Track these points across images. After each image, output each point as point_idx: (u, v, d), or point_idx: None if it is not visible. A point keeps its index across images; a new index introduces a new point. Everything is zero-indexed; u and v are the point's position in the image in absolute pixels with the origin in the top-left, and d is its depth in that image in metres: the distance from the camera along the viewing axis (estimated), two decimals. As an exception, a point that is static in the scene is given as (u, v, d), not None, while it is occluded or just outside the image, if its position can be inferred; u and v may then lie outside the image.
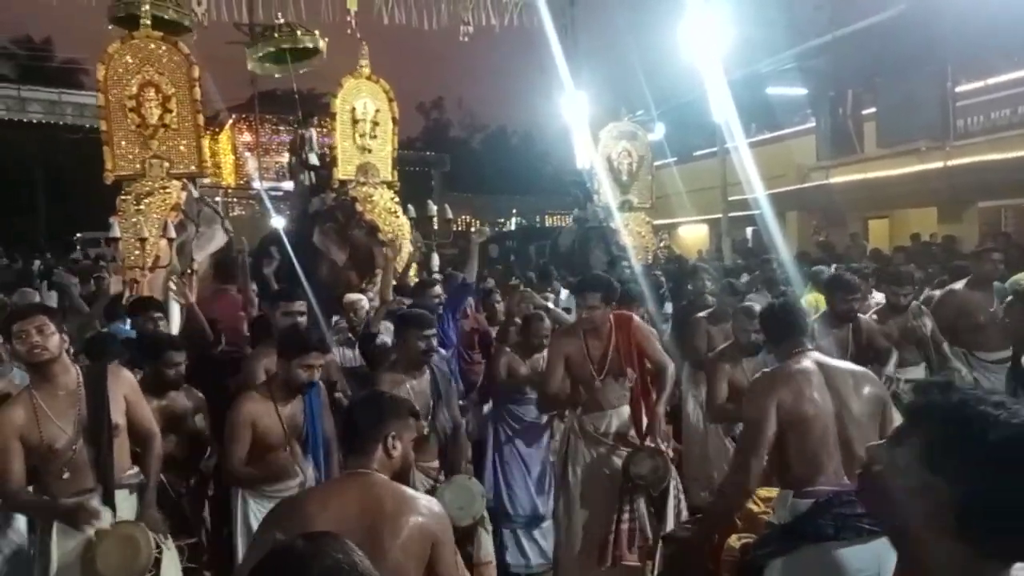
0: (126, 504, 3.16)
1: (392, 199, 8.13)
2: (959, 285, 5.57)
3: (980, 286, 5.42)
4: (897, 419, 4.80)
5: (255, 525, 3.21)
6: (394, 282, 6.64)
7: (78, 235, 26.42)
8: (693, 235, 21.30)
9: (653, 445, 3.89)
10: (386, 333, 5.07)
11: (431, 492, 3.71)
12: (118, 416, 3.13)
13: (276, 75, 9.83)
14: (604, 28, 21.34)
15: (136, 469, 3.26)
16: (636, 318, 4.22)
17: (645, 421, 3.98)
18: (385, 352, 4.93)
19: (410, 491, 2.21)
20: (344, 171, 7.92)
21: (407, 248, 7.74)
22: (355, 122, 7.99)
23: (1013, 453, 1.01)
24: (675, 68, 14.57)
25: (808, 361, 2.81)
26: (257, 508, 3.43)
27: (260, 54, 9.55)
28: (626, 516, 3.83)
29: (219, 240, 7.21)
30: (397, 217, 7.92)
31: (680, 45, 13.79)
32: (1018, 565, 1.12)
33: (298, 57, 9.51)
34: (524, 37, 12.41)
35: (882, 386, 3.11)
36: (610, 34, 20.33)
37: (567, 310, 6.15)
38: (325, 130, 8.92)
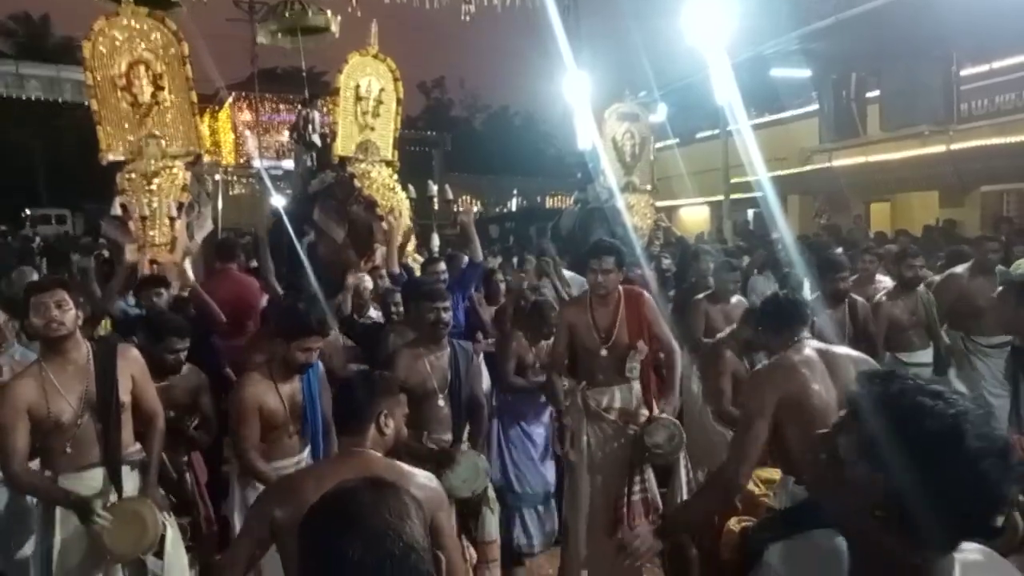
0: (128, 480, 3.18)
1: (391, 176, 8.10)
2: (960, 269, 5.58)
3: (981, 271, 5.42)
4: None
5: (252, 501, 3.23)
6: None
7: (27, 211, 25.85)
8: (694, 217, 21.26)
9: (666, 415, 3.89)
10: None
11: None
12: (123, 394, 3.15)
13: (289, 46, 9.64)
14: (607, 8, 21.17)
15: (138, 446, 3.28)
16: (646, 294, 4.20)
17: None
18: (381, 329, 4.94)
19: (407, 467, 2.22)
20: (344, 148, 7.88)
21: (405, 222, 7.72)
22: (358, 99, 7.93)
23: (947, 444, 1.01)
24: (678, 49, 14.46)
25: (808, 349, 2.80)
26: (256, 485, 3.43)
27: (271, 29, 9.43)
28: (637, 488, 3.85)
29: (210, 224, 7.19)
30: (395, 193, 7.90)
31: (684, 26, 13.68)
32: (971, 546, 1.13)
33: (307, 34, 9.39)
34: (526, 16, 12.32)
35: (882, 372, 3.10)
36: (613, 14, 20.17)
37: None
38: (327, 109, 8.85)
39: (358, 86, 7.93)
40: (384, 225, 7.13)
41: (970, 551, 1.13)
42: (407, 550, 1.20)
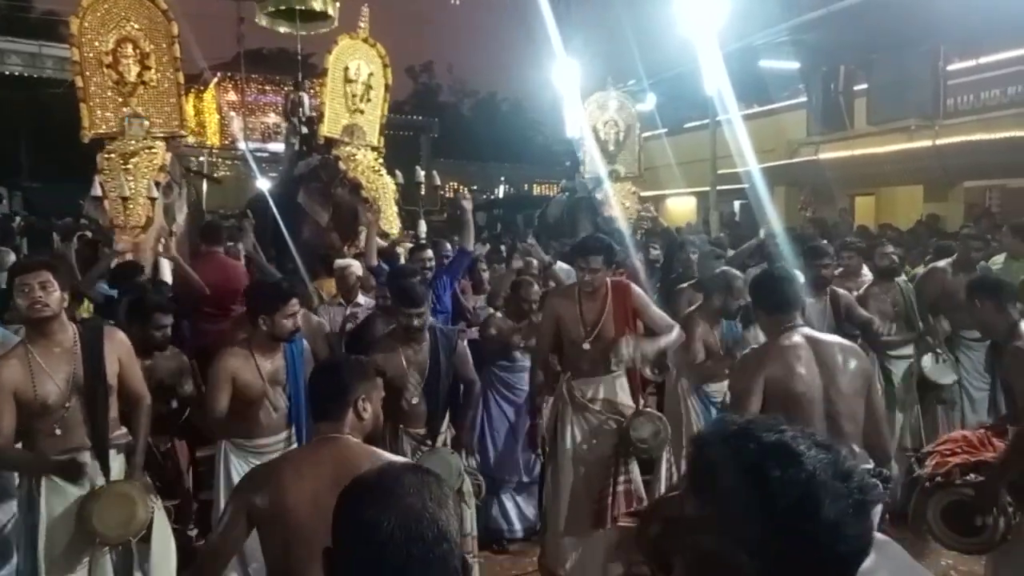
0: (114, 464, 3.17)
1: (376, 159, 8.04)
2: (943, 263, 5.63)
3: (963, 268, 5.47)
4: (885, 397, 4.76)
5: (236, 481, 3.22)
6: (382, 243, 6.60)
7: None
8: (681, 208, 21.30)
9: (651, 409, 3.89)
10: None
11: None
12: (110, 377, 3.14)
13: (288, 31, 9.45)
14: (597, -5, 21.08)
15: (124, 430, 3.27)
16: (634, 285, 4.19)
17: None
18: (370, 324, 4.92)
19: (385, 453, 2.21)
20: (330, 129, 7.80)
21: (392, 208, 7.67)
22: (347, 82, 7.85)
23: (804, 518, 0.97)
24: (668, 38, 14.43)
25: (798, 336, 2.83)
26: (240, 464, 3.45)
27: (269, 11, 9.25)
28: (622, 479, 3.86)
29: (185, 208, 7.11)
30: (380, 176, 7.84)
31: (674, 15, 13.64)
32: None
33: (305, 18, 9.23)
34: (516, 2, 12.24)
35: (868, 360, 3.14)
36: (604, 2, 20.08)
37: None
38: (314, 91, 8.75)
39: (347, 68, 7.84)
40: (368, 212, 7.08)
41: None
42: (439, 537, 1.21)
